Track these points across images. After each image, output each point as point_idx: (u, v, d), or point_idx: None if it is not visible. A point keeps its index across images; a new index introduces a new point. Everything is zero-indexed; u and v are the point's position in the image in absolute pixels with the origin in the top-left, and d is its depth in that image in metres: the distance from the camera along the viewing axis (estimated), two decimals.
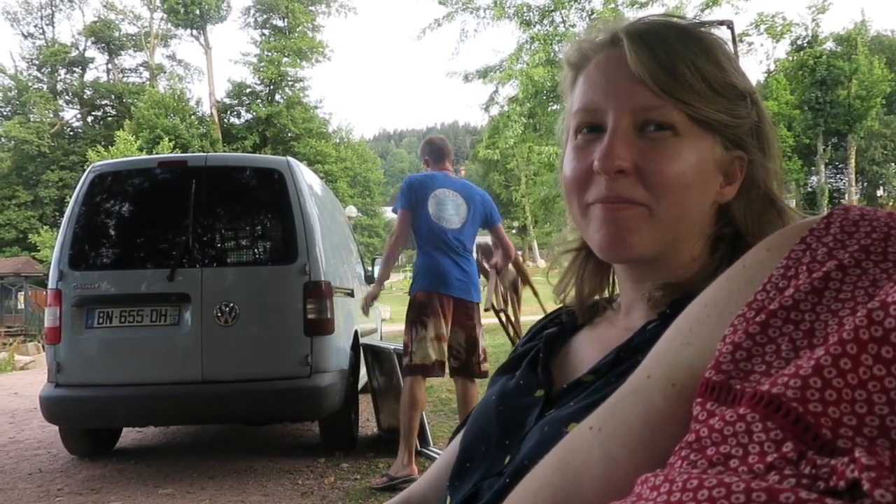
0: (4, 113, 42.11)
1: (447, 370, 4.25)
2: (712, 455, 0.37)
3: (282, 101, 44.79)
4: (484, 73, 15.57)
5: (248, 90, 45.76)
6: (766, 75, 38.29)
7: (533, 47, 15.03)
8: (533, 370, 0.77)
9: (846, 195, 38.04)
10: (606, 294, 0.83)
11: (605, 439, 0.49)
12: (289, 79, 45.42)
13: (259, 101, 45.05)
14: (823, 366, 0.36)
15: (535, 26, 15.22)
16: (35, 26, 45.95)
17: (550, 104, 15.72)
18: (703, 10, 15.33)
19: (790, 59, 37.01)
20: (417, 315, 4.13)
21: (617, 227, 0.68)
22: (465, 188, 4.48)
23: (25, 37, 45.81)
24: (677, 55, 0.67)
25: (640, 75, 0.67)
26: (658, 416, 0.47)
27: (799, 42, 35.73)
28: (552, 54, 15.20)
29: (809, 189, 36.73)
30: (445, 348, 4.16)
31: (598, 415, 0.51)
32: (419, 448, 4.74)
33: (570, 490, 0.49)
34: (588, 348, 0.76)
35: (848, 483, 0.32)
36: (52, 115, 43.24)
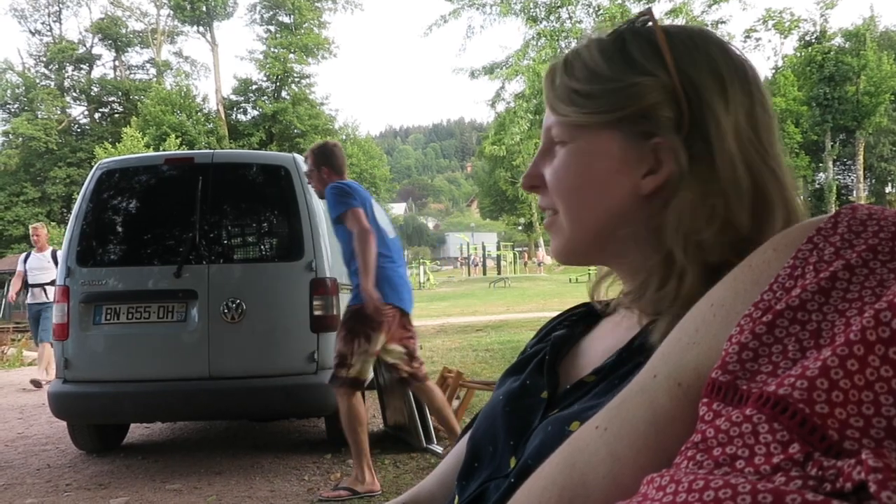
0: (12, 110, 42.25)
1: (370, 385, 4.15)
2: (718, 456, 0.37)
3: (288, 97, 44.81)
4: (490, 70, 15.53)
5: (254, 87, 45.81)
6: (773, 71, 38.14)
7: (539, 43, 14.98)
8: (539, 372, 0.77)
9: (854, 192, 37.87)
10: None
11: (610, 439, 0.48)
12: (295, 75, 45.44)
13: (265, 97, 45.09)
14: (830, 367, 0.36)
15: (541, 22, 15.17)
16: (42, 23, 46.12)
17: None
18: (709, 6, 15.27)
19: (798, 55, 36.86)
20: (363, 327, 3.93)
21: (550, 236, 0.77)
22: None
23: (33, 34, 45.99)
24: (560, 75, 0.73)
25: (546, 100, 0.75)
26: (664, 416, 0.47)
27: (807, 38, 35.58)
28: (559, 50, 15.17)
29: (817, 186, 36.58)
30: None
31: (604, 415, 0.51)
32: (425, 445, 4.75)
33: (576, 490, 0.48)
34: (594, 349, 0.76)
35: (854, 485, 0.32)
36: (59, 112, 43.40)
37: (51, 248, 9.23)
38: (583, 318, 0.84)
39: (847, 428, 0.35)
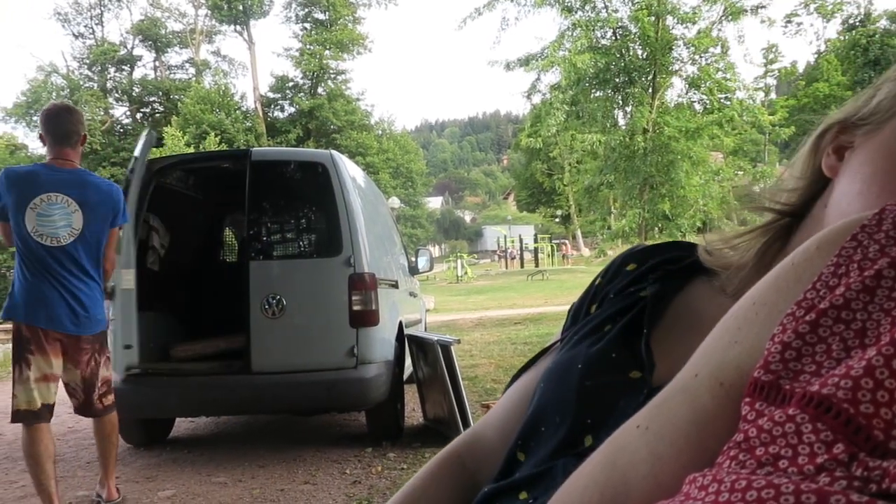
0: None
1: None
2: (761, 455, 0.37)
3: (324, 93, 45.19)
4: (525, 62, 15.43)
5: (290, 84, 46.29)
6: (816, 56, 37.27)
7: (575, 34, 14.83)
8: (627, 344, 0.66)
9: None
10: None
11: (652, 438, 0.48)
12: (330, 71, 45.77)
13: (301, 94, 45.52)
14: (875, 366, 0.36)
15: (576, 12, 15.02)
16: (85, 26, 47.11)
17: (593, 91, 15.54)
18: None
19: (841, 38, 35.97)
20: (21, 352, 3.49)
21: None
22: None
23: (76, 37, 47.02)
24: None
25: None
26: (706, 415, 0.46)
27: (850, 21, 34.71)
28: (594, 41, 15.01)
29: None
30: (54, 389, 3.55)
31: (645, 413, 0.51)
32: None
33: (617, 489, 0.49)
34: (700, 330, 0.59)
35: None
36: (102, 113, 44.33)
37: None
38: (681, 272, 0.71)
39: (892, 428, 0.34)
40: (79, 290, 3.54)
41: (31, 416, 3.45)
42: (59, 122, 3.58)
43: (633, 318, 0.67)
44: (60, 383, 3.66)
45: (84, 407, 3.74)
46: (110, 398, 3.79)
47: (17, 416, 3.46)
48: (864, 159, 0.58)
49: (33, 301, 3.46)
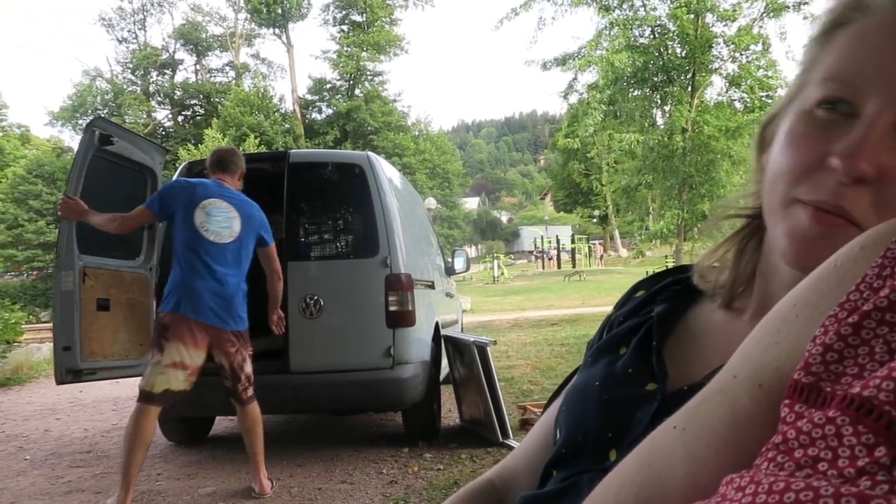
0: (102, 115, 44.29)
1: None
2: (800, 458, 0.37)
3: (361, 95, 45.53)
4: (562, 61, 15.33)
5: (328, 86, 46.72)
6: None
7: (612, 33, 14.69)
8: (643, 358, 0.68)
9: None
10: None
11: (689, 439, 0.48)
12: (368, 73, 46.10)
13: (339, 96, 45.92)
14: None
15: (614, 11, 14.88)
16: (129, 31, 48.22)
17: (631, 90, 15.38)
18: None
19: None
20: (157, 338, 3.80)
21: (817, 245, 0.54)
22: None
23: (120, 42, 48.19)
24: None
25: None
26: (744, 416, 0.46)
27: None
28: (632, 39, 14.86)
29: None
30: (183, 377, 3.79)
31: (682, 415, 0.50)
32: (501, 440, 4.76)
33: (653, 490, 0.48)
34: (712, 339, 0.67)
35: None
36: (145, 116, 45.31)
37: None
38: (687, 290, 0.74)
39: None
40: (227, 286, 3.87)
41: (145, 397, 3.71)
42: (223, 156, 4.18)
43: (644, 334, 0.70)
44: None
45: (232, 391, 4.04)
46: (251, 391, 4.06)
47: (140, 395, 3.74)
48: (774, 149, 0.61)
49: (183, 292, 3.78)
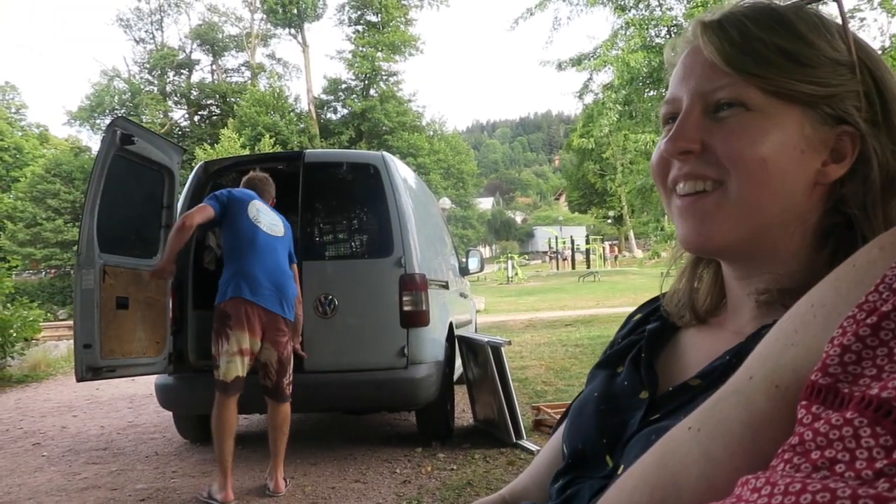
0: (120, 115, 44.62)
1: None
2: (817, 459, 0.37)
3: (376, 95, 45.60)
4: (578, 61, 15.27)
5: (343, 86, 46.83)
6: (880, 52, 36.11)
7: (628, 33, 14.62)
8: (636, 369, 0.74)
9: None
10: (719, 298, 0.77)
11: (704, 440, 0.48)
12: (382, 73, 46.17)
13: (354, 96, 46.01)
14: None
15: (629, 11, 14.82)
16: (146, 32, 48.56)
17: (647, 90, 15.30)
18: None
19: None
20: (220, 325, 3.93)
21: (695, 218, 0.66)
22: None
23: (137, 42, 48.55)
24: (750, 32, 0.64)
25: (710, 57, 0.66)
26: (760, 417, 0.46)
27: None
28: (648, 39, 14.79)
29: None
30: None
31: (697, 415, 0.50)
32: (515, 440, 4.75)
33: (668, 490, 0.48)
34: (695, 349, 0.73)
35: None
36: (162, 116, 45.61)
37: None
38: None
39: None
40: (282, 274, 4.06)
41: (222, 387, 3.88)
42: (258, 184, 4.38)
43: (638, 350, 0.77)
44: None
45: (274, 389, 4.08)
46: (290, 388, 4.13)
47: (217, 385, 3.91)
48: None
49: (242, 279, 3.91)
